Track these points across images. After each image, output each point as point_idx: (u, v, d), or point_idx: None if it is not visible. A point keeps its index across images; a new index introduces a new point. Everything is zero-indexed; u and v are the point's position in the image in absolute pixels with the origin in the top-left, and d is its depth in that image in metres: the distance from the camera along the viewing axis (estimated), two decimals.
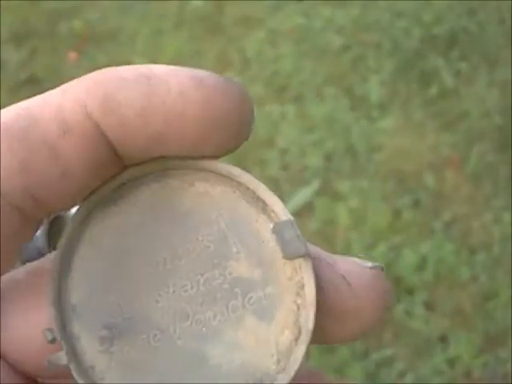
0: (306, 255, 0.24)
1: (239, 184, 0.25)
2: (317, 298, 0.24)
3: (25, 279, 0.25)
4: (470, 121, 1.64)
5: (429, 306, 1.43)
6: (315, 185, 1.60)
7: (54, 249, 0.25)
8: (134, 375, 0.25)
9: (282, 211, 0.24)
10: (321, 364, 1.30)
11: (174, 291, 0.25)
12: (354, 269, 0.24)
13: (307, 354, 0.24)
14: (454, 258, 1.47)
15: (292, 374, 0.24)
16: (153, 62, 1.87)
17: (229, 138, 0.23)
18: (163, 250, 0.25)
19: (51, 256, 0.26)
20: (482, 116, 1.63)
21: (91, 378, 0.24)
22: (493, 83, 1.69)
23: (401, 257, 1.48)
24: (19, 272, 0.26)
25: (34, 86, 1.92)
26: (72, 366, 0.24)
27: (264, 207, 0.24)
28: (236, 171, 0.24)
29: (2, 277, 0.25)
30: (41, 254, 0.40)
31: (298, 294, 0.24)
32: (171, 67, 0.23)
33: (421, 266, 1.47)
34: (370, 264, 0.25)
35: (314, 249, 0.25)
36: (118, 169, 0.24)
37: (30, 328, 0.25)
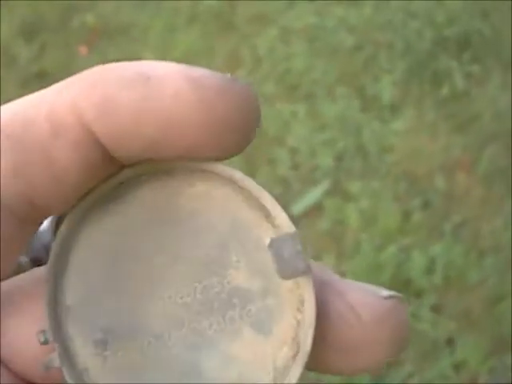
0: (306, 272, 0.22)
1: (242, 189, 0.23)
2: (317, 319, 0.22)
3: (29, 285, 0.25)
4: (481, 123, 1.63)
5: (437, 309, 1.43)
6: (325, 185, 1.60)
7: None
8: (126, 381, 0.24)
9: (284, 222, 0.23)
10: None
11: (170, 297, 0.24)
12: (367, 299, 0.23)
13: (303, 375, 0.23)
14: (464, 260, 1.47)
15: None
16: (164, 57, 1.87)
17: (231, 141, 0.22)
18: (161, 253, 0.24)
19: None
20: (494, 119, 1.63)
21: (83, 381, 0.24)
22: (505, 86, 1.68)
23: (410, 259, 1.48)
24: (25, 278, 0.25)
25: (43, 80, 1.92)
26: (64, 369, 0.24)
27: (267, 215, 0.23)
28: (238, 175, 0.23)
29: (9, 281, 0.25)
30: (47, 251, 0.40)
31: (298, 309, 0.23)
32: (172, 66, 0.22)
33: (430, 268, 1.47)
34: (385, 293, 0.23)
35: (325, 272, 0.24)
36: (116, 168, 0.23)
37: (27, 331, 0.24)
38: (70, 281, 0.24)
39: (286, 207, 0.23)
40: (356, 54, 1.80)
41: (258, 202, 0.23)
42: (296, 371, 0.23)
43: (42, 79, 1.92)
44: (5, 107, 0.22)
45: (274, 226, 0.23)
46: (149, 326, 0.24)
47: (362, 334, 0.22)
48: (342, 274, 1.15)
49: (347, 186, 1.59)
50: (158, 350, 0.24)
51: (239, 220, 0.24)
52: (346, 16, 1.87)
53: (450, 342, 1.38)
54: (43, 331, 0.23)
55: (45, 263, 0.25)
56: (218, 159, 0.23)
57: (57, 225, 0.44)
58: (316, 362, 0.23)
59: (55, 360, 0.23)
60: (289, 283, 0.23)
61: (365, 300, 0.22)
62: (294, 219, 0.23)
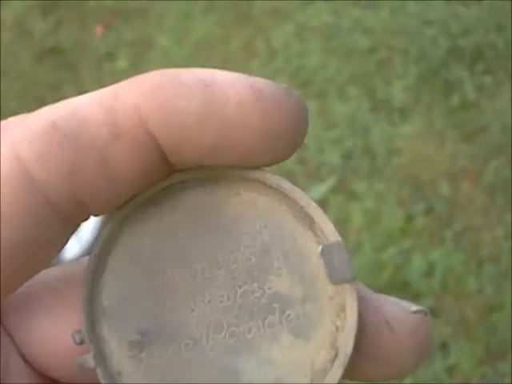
0: (353, 280, 0.23)
1: (287, 197, 0.24)
2: (358, 324, 0.23)
3: (56, 282, 0.25)
4: (489, 135, 1.64)
5: (433, 313, 1.43)
6: (331, 182, 1.60)
7: None
8: (163, 382, 0.24)
9: (330, 231, 0.23)
10: None
11: (209, 301, 0.24)
12: (399, 313, 0.24)
13: (343, 379, 0.23)
14: (463, 267, 1.47)
15: None
16: (178, 44, 1.87)
17: (283, 149, 0.23)
18: (203, 257, 0.24)
19: (84, 260, 0.25)
20: (502, 131, 1.64)
21: (118, 382, 0.24)
22: None
23: (410, 262, 1.48)
24: (52, 274, 0.25)
25: (57, 55, 1.92)
26: (99, 370, 0.24)
27: (311, 224, 0.24)
28: (286, 184, 0.24)
29: (34, 278, 0.24)
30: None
31: (338, 316, 0.23)
32: (231, 74, 0.22)
33: (429, 272, 1.47)
34: (414, 308, 0.24)
35: (362, 288, 0.24)
36: (165, 174, 0.24)
37: (57, 330, 0.24)
38: (107, 282, 0.24)
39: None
40: (370, 57, 1.81)
41: (303, 212, 0.24)
42: (336, 374, 0.23)
43: (55, 54, 1.92)
44: (59, 105, 0.22)
45: (316, 235, 0.24)
46: (187, 328, 0.24)
47: (394, 345, 0.24)
48: None
49: (352, 185, 1.60)
50: (196, 353, 0.24)
51: (283, 229, 0.24)
52: (363, 18, 1.87)
53: (444, 346, 1.39)
54: (79, 331, 0.24)
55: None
56: (267, 165, 0.24)
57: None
58: (350, 369, 0.24)
59: (90, 360, 0.24)
60: (329, 291, 0.23)
61: (397, 314, 0.24)
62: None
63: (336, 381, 0.23)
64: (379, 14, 1.87)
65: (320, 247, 0.23)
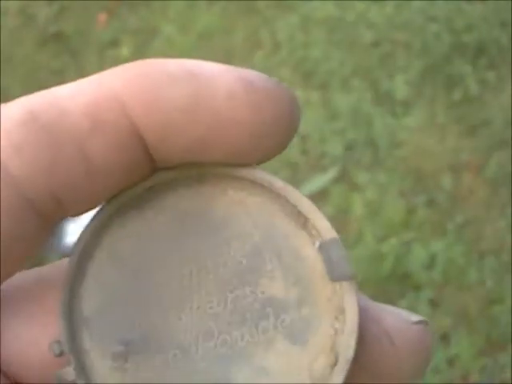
0: (352, 277, 0.22)
1: (279, 196, 0.22)
2: (359, 327, 0.22)
3: (33, 286, 0.23)
4: (491, 129, 1.64)
5: (434, 304, 1.43)
6: (333, 172, 1.60)
7: None
8: None
9: (326, 228, 0.22)
10: None
11: (198, 307, 0.23)
12: (400, 325, 0.23)
13: None
14: (464, 259, 1.48)
15: None
16: (183, 32, 1.87)
17: (274, 144, 0.22)
18: (190, 261, 0.23)
19: (61, 263, 0.24)
20: (505, 126, 1.64)
21: None
22: None
23: (411, 253, 1.49)
24: (28, 277, 0.24)
25: (60, 42, 1.92)
26: (80, 383, 0.22)
27: (305, 223, 0.22)
28: (277, 182, 0.22)
29: (10, 280, 0.23)
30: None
31: (336, 318, 0.22)
32: (220, 66, 0.21)
33: (430, 264, 1.48)
34: (414, 319, 0.23)
35: (361, 298, 0.23)
36: (148, 172, 0.22)
37: (34, 340, 0.23)
38: (88, 288, 0.23)
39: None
40: (373, 50, 1.81)
41: (296, 210, 0.22)
42: (337, 379, 0.22)
43: (58, 40, 1.92)
44: (38, 95, 0.21)
45: (310, 235, 0.22)
46: (175, 337, 0.22)
47: (394, 358, 0.23)
48: None
49: (354, 176, 1.60)
50: (185, 363, 0.22)
51: (274, 228, 0.23)
52: (367, 12, 1.87)
53: (444, 337, 1.39)
54: (58, 342, 0.22)
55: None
56: (258, 162, 0.22)
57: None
58: (348, 379, 0.22)
59: (70, 373, 0.22)
60: (326, 292, 0.22)
61: (398, 326, 0.23)
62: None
63: None
64: (384, 8, 1.88)
65: (317, 243, 0.22)
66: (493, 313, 1.42)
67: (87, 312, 0.23)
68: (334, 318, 0.22)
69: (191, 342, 0.22)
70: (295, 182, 1.54)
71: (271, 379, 0.22)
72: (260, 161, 0.22)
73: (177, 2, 1.97)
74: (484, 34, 1.81)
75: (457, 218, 1.53)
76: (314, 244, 0.22)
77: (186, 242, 0.23)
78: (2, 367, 0.23)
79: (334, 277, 0.22)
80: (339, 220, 1.52)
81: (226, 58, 1.79)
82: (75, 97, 0.21)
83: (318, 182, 1.58)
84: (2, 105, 0.21)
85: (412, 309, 1.40)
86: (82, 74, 1.82)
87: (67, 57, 1.90)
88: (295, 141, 1.62)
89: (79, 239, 0.23)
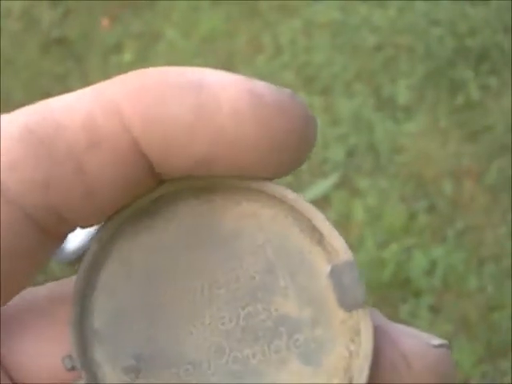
0: (365, 304, 0.21)
1: (293, 209, 0.22)
2: (373, 351, 0.21)
3: (43, 302, 0.23)
4: (493, 135, 1.64)
5: (434, 310, 1.43)
6: (334, 178, 1.60)
7: None
8: None
9: (341, 248, 0.21)
10: None
11: (210, 323, 0.22)
12: (418, 348, 0.22)
13: None
14: (464, 266, 1.48)
15: None
16: (186, 36, 1.88)
17: (287, 159, 0.21)
18: (201, 275, 0.22)
19: (72, 279, 0.23)
20: (506, 131, 1.64)
21: None
22: None
23: (411, 259, 1.49)
24: (38, 293, 0.23)
25: (63, 46, 1.92)
26: None
27: (320, 239, 0.22)
28: (291, 195, 0.22)
29: (20, 295, 0.22)
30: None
31: (351, 340, 0.21)
32: (226, 76, 0.20)
33: (430, 270, 1.48)
34: (436, 342, 0.22)
35: (378, 317, 0.22)
36: (154, 184, 0.21)
37: (45, 355, 0.22)
38: (98, 302, 0.22)
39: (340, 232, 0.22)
40: (376, 54, 1.81)
41: (311, 225, 0.22)
42: None
43: (62, 45, 1.92)
44: (35, 107, 0.20)
45: (326, 251, 0.22)
46: (186, 352, 0.22)
47: (411, 382, 0.21)
48: None
49: (356, 182, 1.60)
50: (197, 379, 0.22)
51: (288, 243, 0.22)
52: (370, 16, 1.87)
53: None
54: (69, 357, 0.22)
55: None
56: (271, 177, 0.21)
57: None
58: None
59: None
60: (341, 314, 0.22)
61: (416, 349, 0.22)
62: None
63: None
64: (387, 12, 1.87)
65: (329, 268, 0.21)
66: (493, 319, 1.42)
67: (98, 325, 0.22)
68: (350, 339, 0.22)
69: (202, 358, 0.22)
70: (297, 187, 1.55)
71: None
72: (275, 175, 0.21)
73: (180, 5, 1.97)
74: (487, 39, 1.81)
75: (457, 224, 1.53)
76: (330, 261, 0.22)
77: (197, 254, 0.22)
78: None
79: (346, 305, 0.21)
80: (340, 226, 1.52)
81: (229, 62, 1.79)
82: (72, 110, 0.20)
83: (320, 187, 1.59)
84: (2, 116, 0.21)
85: (413, 314, 1.40)
86: (85, 79, 1.83)
87: (70, 62, 1.90)
88: None
89: (88, 251, 0.22)
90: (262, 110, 0.20)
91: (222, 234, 0.22)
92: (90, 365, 0.22)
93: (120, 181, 0.20)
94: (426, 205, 1.57)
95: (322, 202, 1.56)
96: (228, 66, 1.74)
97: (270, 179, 0.21)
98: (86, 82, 1.80)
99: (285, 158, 0.20)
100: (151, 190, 0.22)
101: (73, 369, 0.22)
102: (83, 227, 0.22)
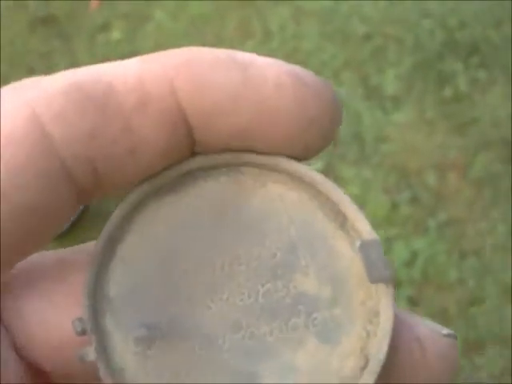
0: (391, 281, 0.21)
1: (319, 192, 0.22)
2: (392, 331, 0.21)
3: (55, 266, 0.23)
4: (480, 128, 1.64)
5: (413, 302, 1.43)
6: (318, 166, 1.60)
7: None
8: (168, 383, 0.22)
9: (366, 229, 0.21)
10: None
11: (228, 298, 0.22)
12: (431, 335, 0.22)
13: None
14: (445, 258, 1.48)
15: None
16: (174, 18, 1.87)
17: (316, 141, 0.22)
18: (223, 251, 0.22)
19: (83, 246, 0.23)
20: (493, 126, 1.64)
21: (119, 379, 0.22)
22: (508, 96, 1.69)
23: (392, 249, 1.48)
24: (50, 257, 0.23)
25: (50, 26, 1.91)
26: (100, 365, 0.22)
27: (343, 222, 0.22)
28: (319, 178, 0.22)
29: (30, 259, 0.23)
30: None
31: (370, 321, 0.22)
32: (270, 59, 0.21)
33: (410, 261, 1.48)
34: (445, 331, 0.23)
35: (396, 308, 0.23)
36: (187, 154, 0.22)
37: (54, 317, 0.22)
38: (115, 270, 0.22)
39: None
40: (365, 44, 1.80)
41: (336, 209, 0.22)
42: (367, 382, 0.21)
43: (48, 25, 1.91)
44: (83, 69, 0.21)
45: (348, 235, 0.22)
46: (202, 326, 0.22)
47: (423, 368, 0.22)
48: None
49: (339, 171, 1.59)
50: (210, 354, 0.22)
51: (312, 226, 0.22)
52: (361, 5, 1.87)
53: None
54: (80, 319, 0.22)
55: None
56: (299, 158, 0.22)
57: None
58: None
59: (91, 353, 0.22)
60: (361, 294, 0.22)
61: (430, 335, 0.22)
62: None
63: None
64: (377, 2, 1.87)
65: (358, 242, 0.21)
66: (472, 314, 1.42)
67: (113, 293, 0.22)
68: (368, 320, 0.22)
69: (218, 333, 0.22)
70: None
71: (298, 378, 0.22)
72: (304, 155, 0.22)
73: None
74: (477, 33, 1.80)
75: (439, 216, 1.53)
76: (352, 244, 0.22)
77: (220, 231, 0.22)
78: (23, 351, 0.23)
79: (373, 278, 0.21)
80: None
81: (217, 46, 1.76)
82: (122, 73, 0.21)
83: None
84: (40, 77, 0.21)
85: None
86: (71, 57, 1.82)
87: (57, 40, 1.88)
88: None
89: (110, 220, 0.22)
90: (301, 89, 0.21)
91: (247, 214, 0.22)
92: (101, 331, 0.22)
93: (161, 144, 0.21)
94: (409, 196, 1.56)
95: None
96: None
97: (299, 160, 0.22)
98: (72, 59, 1.79)
99: (314, 137, 0.21)
100: (182, 162, 0.22)
101: (83, 333, 0.22)
102: (109, 193, 0.22)
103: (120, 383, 0.22)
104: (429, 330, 0.23)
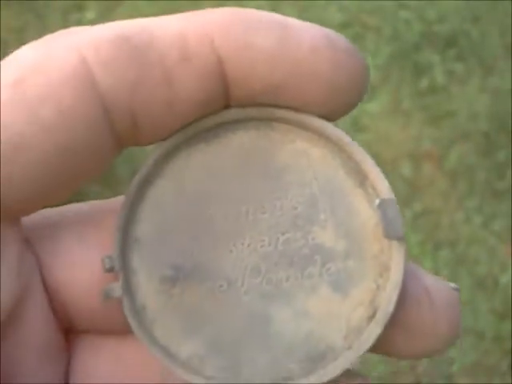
0: (404, 239, 0.23)
1: (342, 151, 0.23)
2: (402, 284, 0.22)
3: (88, 211, 0.24)
4: (456, 120, 1.64)
5: None
6: None
7: None
8: (188, 322, 0.23)
9: (385, 189, 0.23)
10: None
11: (249, 244, 0.23)
12: (439, 286, 0.24)
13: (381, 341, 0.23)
14: (419, 249, 1.47)
15: (359, 353, 0.23)
16: (149, 0, 1.84)
17: (346, 103, 0.23)
18: (248, 200, 0.23)
19: (115, 199, 0.24)
20: (469, 118, 1.63)
21: (142, 315, 0.23)
22: (485, 89, 1.69)
23: None
24: (82, 206, 0.25)
25: (23, 1, 1.88)
26: (124, 301, 0.23)
27: (363, 181, 0.23)
28: (345, 138, 0.23)
29: (65, 206, 0.24)
30: None
31: (380, 275, 0.23)
32: (307, 23, 0.23)
33: None
34: (452, 284, 0.24)
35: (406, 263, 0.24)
36: (221, 108, 0.23)
37: (84, 256, 0.23)
38: (145, 212, 0.23)
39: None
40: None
41: (357, 168, 0.23)
42: (372, 333, 0.23)
43: (21, 0, 1.88)
44: (129, 21, 0.22)
45: (367, 193, 0.23)
46: (223, 269, 0.23)
47: (432, 318, 0.23)
48: None
49: None
50: (229, 295, 0.23)
51: (333, 183, 0.23)
52: None
53: None
54: (109, 257, 0.23)
55: None
56: (328, 118, 0.23)
57: None
58: (382, 342, 0.23)
59: (117, 290, 0.23)
60: (375, 249, 0.23)
61: (438, 287, 0.24)
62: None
63: (373, 339, 0.23)
64: None
65: (378, 200, 0.23)
66: None
67: (141, 234, 0.23)
68: (379, 274, 0.23)
69: (238, 276, 0.23)
70: None
71: (309, 322, 0.23)
72: (333, 114, 0.23)
73: None
74: (455, 26, 1.80)
75: (414, 206, 1.53)
76: (370, 202, 0.23)
77: (246, 181, 0.23)
78: (52, 292, 0.23)
79: (389, 234, 0.23)
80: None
81: None
82: (167, 27, 0.21)
83: None
84: (88, 27, 0.22)
85: None
86: (43, 33, 1.79)
87: (30, 16, 1.86)
88: None
89: (143, 165, 0.23)
90: (335, 52, 0.22)
91: (273, 167, 0.23)
92: (128, 269, 0.23)
93: (199, 98, 0.22)
94: None
95: None
96: None
97: (327, 119, 0.23)
98: (44, 35, 1.76)
99: (343, 99, 0.23)
100: (215, 113, 0.23)
101: (111, 270, 0.23)
102: (145, 143, 0.23)
103: (140, 321, 0.23)
104: (436, 282, 0.24)
